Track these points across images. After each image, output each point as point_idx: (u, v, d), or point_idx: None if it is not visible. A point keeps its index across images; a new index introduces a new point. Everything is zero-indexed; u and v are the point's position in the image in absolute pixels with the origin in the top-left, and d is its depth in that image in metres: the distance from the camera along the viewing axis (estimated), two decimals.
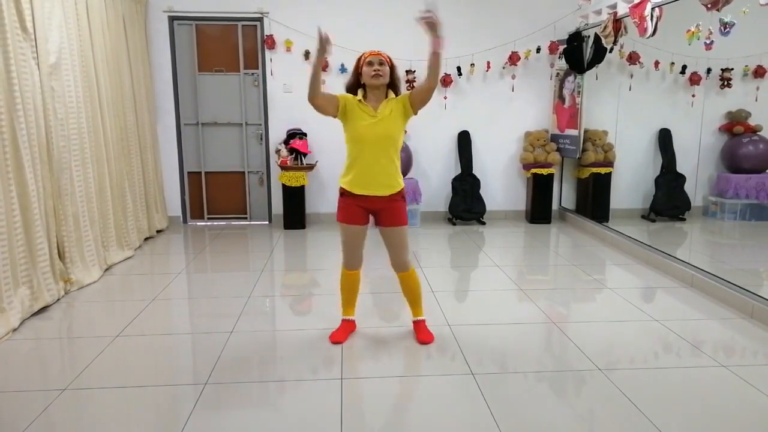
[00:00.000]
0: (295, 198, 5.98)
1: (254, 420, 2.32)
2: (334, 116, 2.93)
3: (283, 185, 5.89)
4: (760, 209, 5.61)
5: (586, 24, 5.76)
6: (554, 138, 6.26)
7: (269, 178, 6.26)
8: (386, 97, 2.95)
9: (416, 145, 6.21)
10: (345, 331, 3.18)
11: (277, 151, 5.89)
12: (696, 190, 5.92)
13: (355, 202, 2.96)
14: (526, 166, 6.23)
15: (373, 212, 3.00)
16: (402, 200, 3.02)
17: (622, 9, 4.93)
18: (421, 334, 3.11)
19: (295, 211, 6.01)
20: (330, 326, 3.30)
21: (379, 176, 2.93)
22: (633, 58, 5.75)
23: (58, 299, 3.72)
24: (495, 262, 4.69)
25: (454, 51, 6.09)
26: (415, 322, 3.18)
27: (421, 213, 6.23)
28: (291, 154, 5.82)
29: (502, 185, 6.49)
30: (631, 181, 6.19)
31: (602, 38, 5.22)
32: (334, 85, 6.06)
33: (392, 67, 2.98)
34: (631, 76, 5.85)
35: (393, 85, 2.98)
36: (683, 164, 5.90)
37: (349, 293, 3.20)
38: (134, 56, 5.28)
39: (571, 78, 5.93)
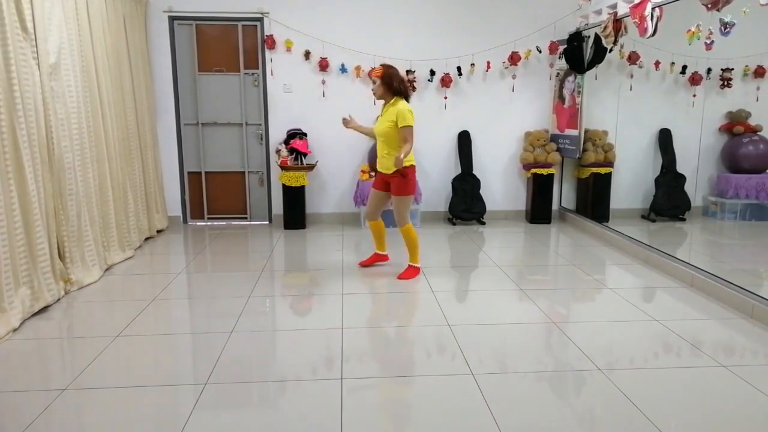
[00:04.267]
0: (295, 198, 5.98)
1: (254, 420, 2.32)
2: None
3: (283, 185, 5.89)
4: (760, 209, 5.61)
5: (586, 24, 5.76)
6: (554, 138, 6.26)
7: (269, 178, 6.26)
8: (390, 100, 3.99)
9: (416, 145, 6.18)
10: (370, 259, 4.55)
11: (277, 151, 5.89)
12: (696, 190, 5.92)
13: (379, 175, 4.21)
14: (526, 166, 6.23)
15: (387, 184, 4.13)
16: (400, 177, 3.99)
17: (622, 9, 4.93)
18: (404, 273, 4.25)
19: (295, 211, 6.01)
20: (330, 326, 3.30)
21: (382, 160, 4.10)
22: (633, 58, 5.76)
23: (59, 299, 3.73)
24: (495, 262, 4.69)
25: (454, 51, 6.10)
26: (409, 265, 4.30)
27: (421, 213, 6.23)
28: (291, 154, 5.82)
29: (502, 185, 6.49)
30: (631, 181, 6.19)
31: (602, 38, 5.22)
32: (334, 84, 6.07)
33: (387, 77, 3.90)
34: (631, 76, 5.85)
35: (395, 90, 3.93)
36: (683, 164, 5.90)
37: (374, 236, 4.50)
38: (134, 56, 5.28)
39: (571, 78, 5.93)
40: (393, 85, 3.90)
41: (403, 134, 3.88)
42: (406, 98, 3.97)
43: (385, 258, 4.57)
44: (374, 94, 4.01)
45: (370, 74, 4.06)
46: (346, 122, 4.28)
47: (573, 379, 2.66)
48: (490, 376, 2.68)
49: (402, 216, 4.11)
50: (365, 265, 4.52)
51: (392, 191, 4.07)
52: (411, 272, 4.25)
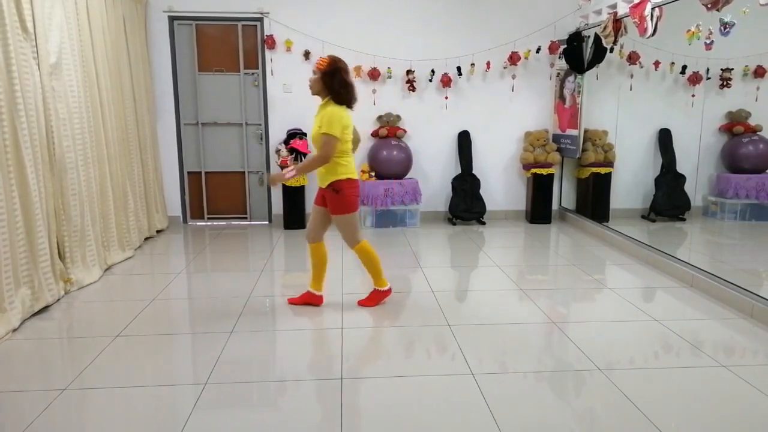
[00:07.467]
0: (295, 198, 5.98)
1: (254, 420, 2.32)
2: None
3: (283, 185, 5.89)
4: (760, 209, 5.60)
5: (586, 24, 5.76)
6: (556, 138, 6.27)
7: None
8: (324, 100, 3.32)
9: (416, 145, 6.21)
10: (301, 297, 3.73)
11: (277, 151, 5.89)
12: (696, 190, 5.92)
13: (318, 188, 3.51)
14: (526, 166, 6.23)
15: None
16: (332, 192, 3.37)
17: (622, 9, 4.93)
18: (368, 298, 3.68)
19: (295, 211, 6.01)
20: (330, 326, 3.30)
21: (318, 171, 3.40)
22: (633, 58, 5.75)
23: (59, 299, 3.73)
24: (495, 262, 4.69)
25: (454, 51, 6.10)
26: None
27: (421, 213, 6.23)
28: (291, 154, 5.82)
29: (502, 185, 6.49)
30: (631, 181, 6.19)
31: (602, 38, 5.22)
32: None
33: (328, 74, 3.24)
34: (631, 76, 5.85)
35: (335, 92, 3.25)
36: (683, 164, 5.90)
37: (312, 265, 3.67)
38: (134, 56, 5.28)
39: (571, 78, 5.93)
40: (333, 85, 3.24)
41: (322, 141, 3.21)
42: (347, 105, 3.31)
43: (319, 301, 3.67)
44: (310, 87, 3.33)
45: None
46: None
47: (573, 379, 2.66)
48: (490, 376, 2.68)
49: (348, 236, 3.49)
50: (294, 303, 3.71)
51: (329, 209, 3.45)
52: (376, 297, 3.66)
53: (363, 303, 3.66)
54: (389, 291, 3.70)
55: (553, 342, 3.10)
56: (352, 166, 3.41)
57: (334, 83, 3.22)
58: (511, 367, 2.77)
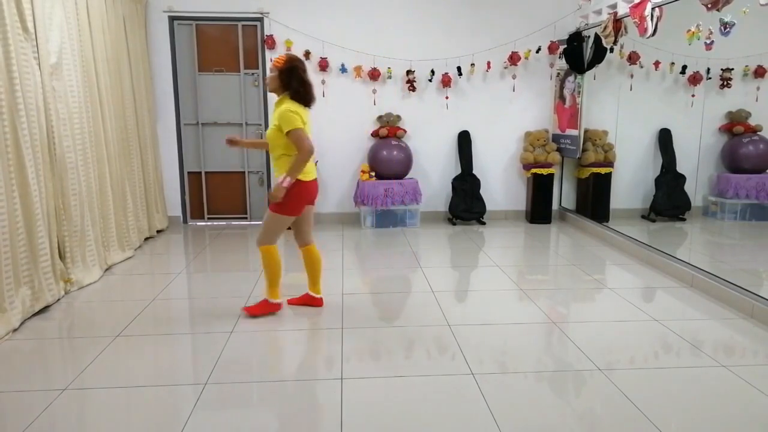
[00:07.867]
0: None
1: (254, 420, 2.32)
2: None
3: None
4: (760, 209, 5.60)
5: (586, 24, 5.76)
6: (556, 138, 6.27)
7: (269, 178, 6.26)
8: (279, 97, 3.27)
9: (416, 145, 6.21)
10: (301, 299, 3.70)
11: None
12: (696, 190, 5.92)
13: None
14: (527, 166, 6.23)
15: None
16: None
17: (622, 9, 4.93)
18: (254, 306, 3.51)
19: None
20: (330, 326, 3.30)
21: (274, 167, 3.36)
22: (633, 58, 5.75)
23: (59, 299, 3.73)
24: (495, 262, 4.69)
25: (454, 51, 6.10)
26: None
27: (421, 213, 6.22)
28: None
29: (502, 185, 6.49)
30: (631, 181, 6.19)
31: (602, 38, 5.22)
32: (334, 84, 6.07)
33: (285, 71, 3.21)
34: (631, 76, 5.85)
35: (294, 90, 3.21)
36: (683, 164, 5.90)
37: (305, 268, 3.65)
38: (134, 56, 5.28)
39: (571, 78, 5.93)
40: (291, 83, 3.20)
41: (293, 139, 3.13)
42: (305, 103, 3.26)
43: (319, 303, 3.63)
44: (267, 85, 3.27)
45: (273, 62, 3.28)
46: (232, 142, 3.52)
47: (573, 379, 2.66)
48: (490, 376, 2.68)
49: (265, 233, 3.35)
50: (294, 303, 3.69)
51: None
52: (264, 307, 3.47)
53: (248, 310, 3.48)
54: (279, 306, 3.52)
55: (553, 342, 3.10)
56: (308, 166, 3.27)
57: (292, 81, 3.19)
58: (511, 367, 2.77)
